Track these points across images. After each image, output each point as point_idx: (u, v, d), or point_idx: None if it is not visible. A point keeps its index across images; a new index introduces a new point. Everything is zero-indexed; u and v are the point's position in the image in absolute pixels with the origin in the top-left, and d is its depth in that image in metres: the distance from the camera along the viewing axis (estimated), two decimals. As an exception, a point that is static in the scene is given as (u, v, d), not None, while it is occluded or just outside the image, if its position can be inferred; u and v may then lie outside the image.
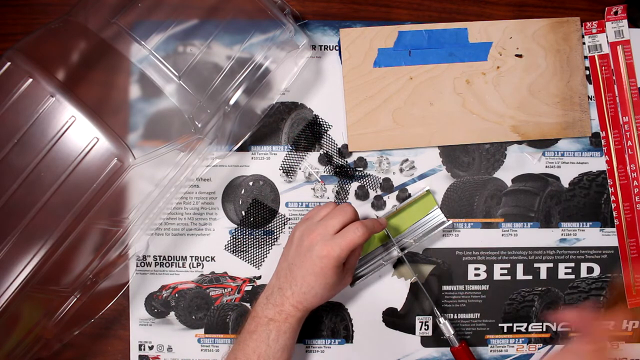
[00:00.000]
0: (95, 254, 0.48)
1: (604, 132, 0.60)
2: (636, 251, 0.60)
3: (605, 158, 0.61)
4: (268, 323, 0.50)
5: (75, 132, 0.46)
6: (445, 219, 0.59)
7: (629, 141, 0.60)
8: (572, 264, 0.60)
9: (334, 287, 0.51)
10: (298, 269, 0.50)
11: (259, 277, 0.59)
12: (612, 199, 0.60)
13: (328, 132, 0.60)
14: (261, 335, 0.50)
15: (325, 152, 0.60)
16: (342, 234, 0.49)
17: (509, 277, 0.60)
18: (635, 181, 0.60)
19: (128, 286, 0.58)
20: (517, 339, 0.60)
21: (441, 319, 0.56)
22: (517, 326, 0.60)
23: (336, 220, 0.50)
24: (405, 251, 0.58)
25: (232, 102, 0.51)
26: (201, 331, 0.59)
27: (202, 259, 0.59)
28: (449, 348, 0.58)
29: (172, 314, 0.59)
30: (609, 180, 0.60)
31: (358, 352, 0.60)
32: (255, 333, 0.50)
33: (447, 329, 0.56)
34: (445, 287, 0.60)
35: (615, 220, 0.60)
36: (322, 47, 0.60)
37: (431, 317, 0.59)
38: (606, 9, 0.61)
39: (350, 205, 0.52)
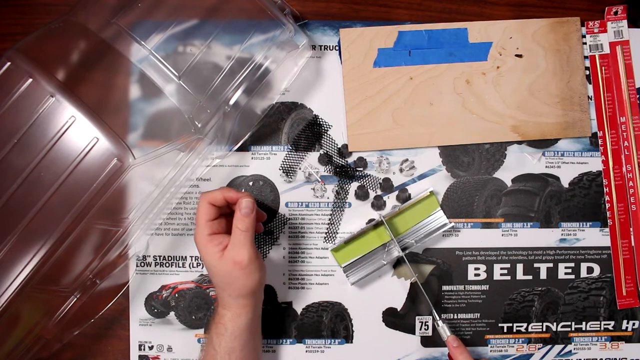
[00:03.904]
0: (95, 254, 0.48)
1: (601, 131, 0.61)
2: (628, 252, 0.60)
3: (602, 158, 0.61)
4: (211, 324, 0.51)
5: (75, 132, 0.46)
6: (447, 220, 0.59)
7: (626, 141, 0.60)
8: (572, 264, 0.60)
9: (218, 270, 0.48)
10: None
11: (259, 277, 0.59)
12: (606, 199, 0.60)
13: (328, 132, 0.60)
14: (208, 338, 0.51)
15: (325, 152, 0.60)
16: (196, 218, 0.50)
17: (509, 277, 0.60)
18: (630, 182, 0.60)
19: (128, 286, 0.58)
20: (517, 339, 0.60)
21: (439, 322, 0.56)
22: (517, 326, 0.60)
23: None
24: (407, 251, 0.58)
25: (232, 102, 0.51)
26: (201, 331, 0.59)
27: (202, 259, 0.59)
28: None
29: (172, 314, 0.59)
30: (604, 181, 0.60)
31: (358, 352, 0.60)
32: (208, 334, 0.52)
33: (445, 332, 0.56)
34: (445, 287, 0.60)
35: (608, 221, 0.60)
36: (322, 47, 0.60)
37: (431, 317, 0.59)
38: (606, 9, 0.61)
39: (202, 194, 0.50)
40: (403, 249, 0.58)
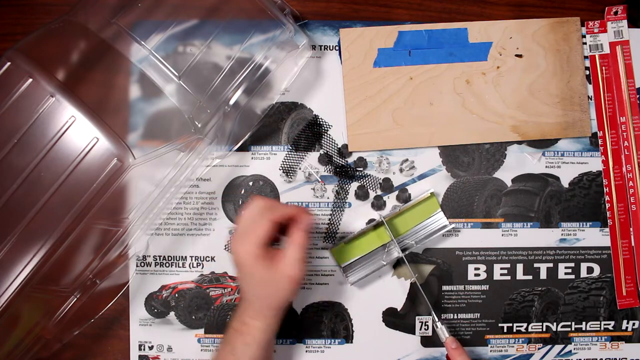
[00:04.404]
0: (95, 254, 0.48)
1: (601, 131, 0.61)
2: (628, 252, 0.60)
3: (602, 158, 0.61)
4: (234, 334, 0.50)
5: (75, 132, 0.46)
6: (447, 222, 0.59)
7: (626, 141, 0.60)
8: (572, 264, 0.60)
9: (268, 282, 0.48)
10: (239, 281, 0.53)
11: (259, 277, 0.59)
12: (606, 199, 0.60)
13: (328, 132, 0.60)
14: (226, 347, 0.50)
15: (325, 152, 0.60)
16: (247, 225, 0.48)
17: (509, 277, 0.60)
18: (630, 182, 0.60)
19: (128, 286, 0.58)
20: (517, 339, 0.60)
21: (438, 323, 0.56)
22: (517, 326, 0.60)
23: (243, 219, 0.48)
24: (407, 252, 0.58)
25: (232, 102, 0.51)
26: (201, 331, 0.59)
27: (202, 259, 0.59)
28: (449, 348, 0.58)
29: (172, 314, 0.59)
30: (604, 181, 0.60)
31: (358, 352, 0.60)
32: (226, 342, 0.50)
33: (443, 333, 0.55)
34: (445, 287, 0.60)
35: (608, 221, 0.60)
36: (322, 47, 0.60)
37: (431, 317, 0.59)
38: (606, 8, 0.61)
39: (254, 197, 0.49)
40: (403, 250, 0.58)
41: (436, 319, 0.56)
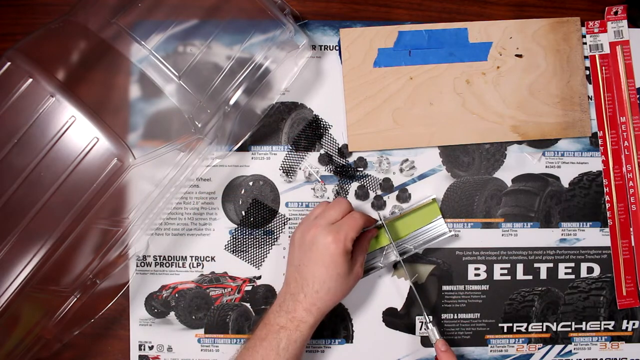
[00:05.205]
0: (95, 254, 0.48)
1: (601, 131, 0.61)
2: (628, 252, 0.60)
3: (602, 158, 0.61)
4: (279, 331, 0.49)
5: (75, 132, 0.46)
6: (447, 230, 0.58)
7: (626, 141, 0.60)
8: (572, 264, 0.60)
9: (345, 278, 0.50)
10: (306, 267, 0.50)
11: (259, 277, 0.59)
12: (606, 199, 0.60)
13: (328, 132, 0.60)
14: (271, 343, 0.49)
15: (325, 152, 0.60)
16: (342, 220, 0.51)
17: (509, 277, 0.60)
18: (630, 182, 0.60)
19: (128, 286, 0.58)
20: (517, 339, 0.60)
21: (430, 325, 0.55)
22: (517, 326, 0.60)
23: (333, 211, 0.52)
24: (405, 256, 0.58)
25: (232, 102, 0.51)
26: (201, 331, 0.59)
27: (202, 259, 0.59)
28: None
29: (172, 314, 0.59)
30: (604, 180, 0.60)
31: (358, 352, 0.60)
32: (266, 340, 0.49)
33: (434, 335, 0.54)
34: (445, 287, 0.60)
35: (608, 221, 0.60)
36: (322, 47, 0.60)
37: (431, 317, 0.59)
38: (606, 8, 0.61)
39: (343, 198, 0.53)
40: (401, 254, 0.58)
41: (428, 320, 0.55)
